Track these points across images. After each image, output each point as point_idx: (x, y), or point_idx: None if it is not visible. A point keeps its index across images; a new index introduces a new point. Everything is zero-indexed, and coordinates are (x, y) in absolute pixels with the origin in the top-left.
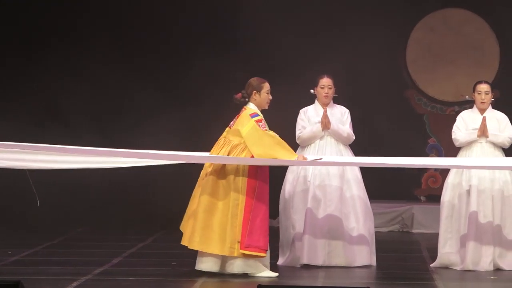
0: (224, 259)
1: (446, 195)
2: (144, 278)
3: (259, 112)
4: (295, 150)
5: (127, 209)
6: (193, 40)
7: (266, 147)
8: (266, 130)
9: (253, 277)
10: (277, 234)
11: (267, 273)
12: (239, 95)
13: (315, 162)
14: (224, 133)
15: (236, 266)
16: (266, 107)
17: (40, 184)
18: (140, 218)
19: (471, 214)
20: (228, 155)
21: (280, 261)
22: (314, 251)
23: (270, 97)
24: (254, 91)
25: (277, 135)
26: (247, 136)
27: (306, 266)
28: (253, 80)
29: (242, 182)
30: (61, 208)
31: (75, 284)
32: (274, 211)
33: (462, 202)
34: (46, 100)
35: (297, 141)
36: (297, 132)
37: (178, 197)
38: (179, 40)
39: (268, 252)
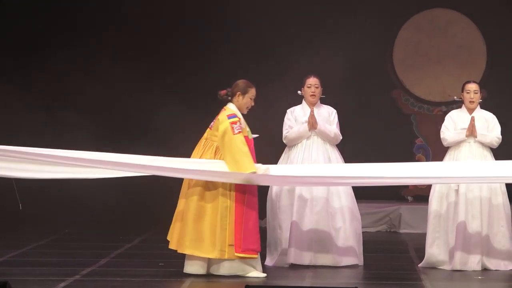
0: (210, 261)
1: (435, 193)
2: (132, 278)
3: (238, 113)
4: (282, 150)
5: (115, 210)
6: (192, 40)
7: (232, 152)
8: (239, 132)
9: (242, 277)
10: (265, 235)
11: (255, 273)
12: (223, 92)
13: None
14: (205, 135)
15: (224, 268)
16: (245, 112)
17: (28, 184)
18: (127, 219)
19: (460, 212)
20: (214, 156)
21: (268, 261)
22: (300, 251)
23: (253, 103)
24: (239, 93)
25: (244, 143)
26: (220, 136)
27: (294, 266)
28: (241, 82)
29: (230, 184)
30: (49, 208)
31: (62, 284)
32: (261, 211)
33: (450, 201)
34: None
35: (284, 141)
36: (284, 132)
37: (165, 198)
38: (180, 40)
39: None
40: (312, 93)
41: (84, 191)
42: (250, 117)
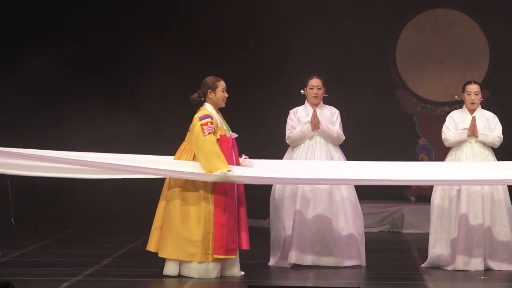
0: (181, 262)
1: (437, 193)
2: (134, 279)
3: (212, 113)
4: (285, 150)
5: (117, 210)
6: (195, 41)
7: (204, 153)
8: (210, 133)
9: (222, 277)
10: (268, 235)
11: (232, 272)
12: (195, 95)
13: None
14: (186, 138)
15: (193, 270)
16: (223, 105)
17: (31, 184)
18: (130, 219)
19: (462, 212)
20: (192, 159)
21: (271, 262)
22: (302, 251)
23: (226, 95)
24: (209, 90)
25: (215, 143)
26: (193, 139)
27: (296, 267)
28: (208, 79)
29: (210, 187)
30: (51, 209)
31: (65, 285)
32: (264, 211)
33: (452, 201)
34: None
35: (287, 141)
36: (287, 132)
37: None
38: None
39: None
40: (314, 95)
41: (86, 191)
42: (252, 117)
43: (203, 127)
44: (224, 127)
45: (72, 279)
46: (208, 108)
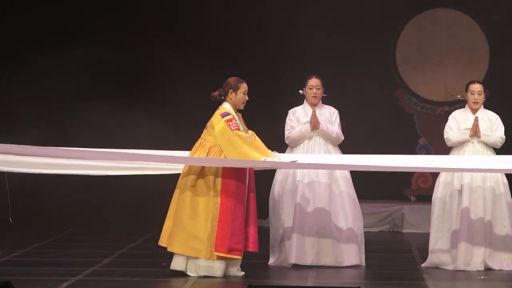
0: (188, 260)
1: (438, 193)
2: (135, 278)
3: (232, 112)
4: (284, 150)
5: (118, 209)
6: (196, 41)
7: (236, 147)
8: (236, 129)
9: (224, 276)
10: (267, 234)
11: (233, 272)
12: (216, 93)
13: (290, 164)
14: (202, 135)
15: (199, 267)
16: (241, 108)
17: (31, 184)
18: (130, 219)
19: (463, 212)
20: (206, 156)
21: (271, 261)
22: (302, 251)
23: (247, 98)
24: (231, 90)
25: (246, 135)
26: (218, 136)
27: (296, 266)
28: (231, 80)
29: (219, 184)
30: (52, 208)
31: (65, 284)
32: (264, 211)
33: (453, 201)
34: None
35: (286, 141)
36: (286, 133)
37: (168, 198)
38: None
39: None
40: (313, 95)
41: (87, 191)
42: (251, 117)
43: (229, 123)
44: (241, 128)
45: (72, 279)
46: (227, 107)
